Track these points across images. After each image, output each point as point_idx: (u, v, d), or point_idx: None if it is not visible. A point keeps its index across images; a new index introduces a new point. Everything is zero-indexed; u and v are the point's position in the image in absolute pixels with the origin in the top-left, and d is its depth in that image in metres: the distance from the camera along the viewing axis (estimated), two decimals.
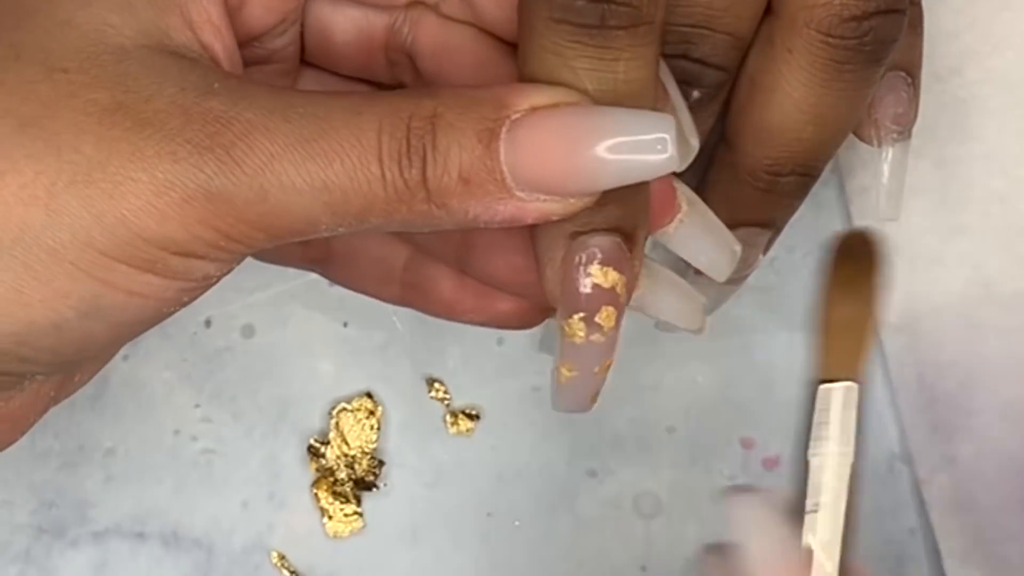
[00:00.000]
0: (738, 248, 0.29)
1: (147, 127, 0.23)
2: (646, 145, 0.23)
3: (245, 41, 0.28)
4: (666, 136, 0.23)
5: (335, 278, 0.32)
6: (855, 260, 0.25)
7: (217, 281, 0.25)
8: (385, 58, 0.30)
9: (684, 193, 0.28)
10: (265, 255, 0.32)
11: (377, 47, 0.30)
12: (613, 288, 0.25)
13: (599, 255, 0.25)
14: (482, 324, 0.31)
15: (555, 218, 0.24)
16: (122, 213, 0.23)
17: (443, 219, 0.24)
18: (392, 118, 0.23)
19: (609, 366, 0.27)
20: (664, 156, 0.23)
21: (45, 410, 0.27)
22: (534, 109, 0.23)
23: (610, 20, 0.24)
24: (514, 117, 0.23)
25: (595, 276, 0.25)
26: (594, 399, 0.27)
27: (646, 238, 0.26)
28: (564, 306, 0.26)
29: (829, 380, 0.24)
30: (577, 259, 0.25)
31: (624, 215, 0.25)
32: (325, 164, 0.23)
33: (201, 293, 0.25)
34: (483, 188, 0.23)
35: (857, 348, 0.24)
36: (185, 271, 0.24)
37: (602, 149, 0.23)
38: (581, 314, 0.25)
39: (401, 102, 0.23)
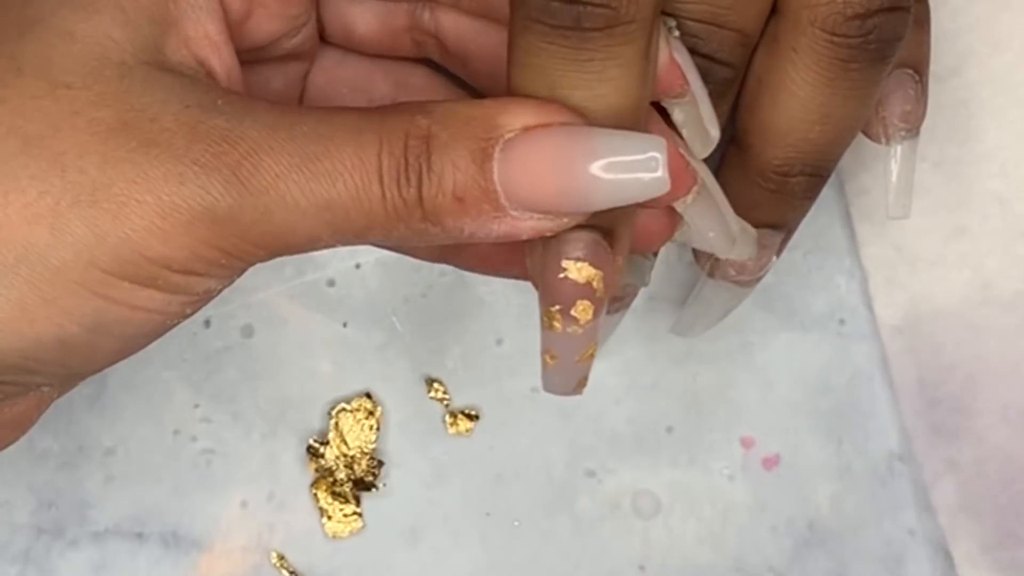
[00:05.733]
0: (737, 230, 0.29)
1: (153, 147, 0.23)
2: (639, 166, 0.23)
3: (256, 49, 0.28)
4: (658, 156, 0.23)
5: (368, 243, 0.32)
6: None
7: (218, 293, 0.25)
8: (410, 39, 0.31)
9: (699, 169, 0.28)
10: None
11: (401, 31, 0.30)
12: (588, 283, 0.25)
13: (574, 251, 0.25)
14: (515, 278, 0.31)
15: (549, 234, 0.24)
16: (125, 233, 0.23)
17: (439, 236, 0.24)
18: (390, 136, 0.23)
19: (592, 355, 0.27)
20: (656, 175, 0.23)
21: (46, 409, 0.27)
22: (526, 129, 0.23)
23: (585, 22, 0.24)
24: (507, 137, 0.23)
25: (569, 271, 0.25)
26: (581, 384, 0.28)
27: (629, 234, 0.27)
28: (542, 297, 0.26)
29: None
30: (554, 254, 0.25)
31: (603, 212, 0.25)
32: (329, 184, 0.23)
33: (203, 305, 0.26)
34: (477, 207, 0.23)
35: None
36: (187, 287, 0.24)
37: (595, 169, 0.23)
38: (558, 306, 0.26)
39: (397, 120, 0.24)
